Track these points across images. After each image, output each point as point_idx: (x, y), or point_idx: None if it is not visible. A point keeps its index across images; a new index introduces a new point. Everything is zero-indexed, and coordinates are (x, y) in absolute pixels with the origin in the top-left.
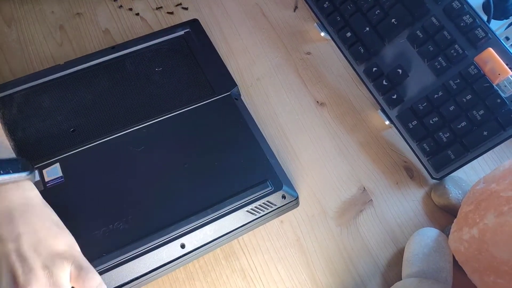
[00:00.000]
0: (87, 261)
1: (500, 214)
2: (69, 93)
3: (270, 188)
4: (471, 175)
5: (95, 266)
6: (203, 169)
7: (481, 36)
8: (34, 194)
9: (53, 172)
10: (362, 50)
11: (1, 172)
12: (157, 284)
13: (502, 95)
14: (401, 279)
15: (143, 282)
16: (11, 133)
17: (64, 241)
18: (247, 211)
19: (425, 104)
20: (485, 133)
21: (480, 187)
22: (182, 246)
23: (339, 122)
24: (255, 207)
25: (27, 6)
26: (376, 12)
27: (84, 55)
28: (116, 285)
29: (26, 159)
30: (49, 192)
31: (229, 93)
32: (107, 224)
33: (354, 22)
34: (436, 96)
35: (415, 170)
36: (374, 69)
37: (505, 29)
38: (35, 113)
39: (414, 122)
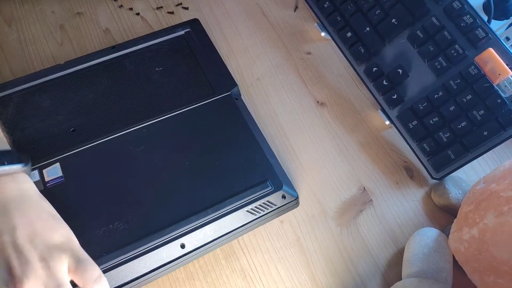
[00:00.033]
0: (85, 253)
1: (500, 214)
2: (69, 93)
3: (270, 188)
4: (471, 175)
5: None
6: (203, 169)
7: (481, 36)
8: (29, 186)
9: (53, 172)
10: (362, 50)
11: None
12: (157, 284)
13: (502, 95)
14: (401, 279)
15: (143, 282)
16: (11, 132)
17: (61, 232)
18: (247, 211)
19: (425, 104)
20: (485, 133)
21: (480, 187)
22: (182, 246)
23: (339, 122)
24: (255, 207)
25: (27, 5)
26: (377, 12)
27: (84, 54)
28: (116, 285)
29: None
30: (49, 192)
31: (229, 93)
32: (107, 224)
33: (354, 22)
34: (436, 96)
35: (415, 170)
36: (374, 69)
37: (506, 29)
38: (35, 112)
39: (414, 122)
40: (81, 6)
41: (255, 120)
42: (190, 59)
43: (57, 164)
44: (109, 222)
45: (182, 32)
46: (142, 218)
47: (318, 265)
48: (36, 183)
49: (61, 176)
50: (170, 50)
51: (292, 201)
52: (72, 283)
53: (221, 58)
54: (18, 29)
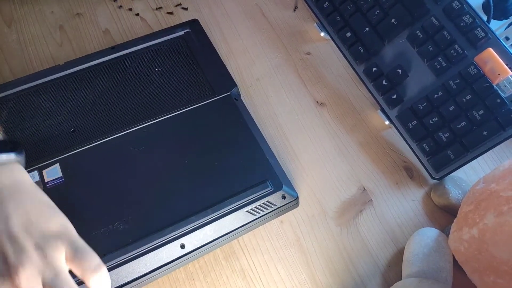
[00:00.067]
0: (83, 241)
1: (500, 214)
2: (69, 94)
3: (270, 188)
4: (471, 175)
5: None
6: (203, 169)
7: (481, 36)
8: (23, 176)
9: (53, 172)
10: (362, 50)
11: None
12: (157, 284)
13: (502, 95)
14: (401, 279)
15: (143, 283)
16: (11, 133)
17: (57, 221)
18: (247, 211)
19: (425, 104)
20: (485, 133)
21: (480, 187)
22: (182, 246)
23: (339, 122)
24: (255, 207)
25: (27, 6)
26: (376, 12)
27: (84, 55)
28: (116, 285)
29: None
30: (49, 193)
31: (229, 93)
32: (107, 224)
33: (354, 22)
34: (436, 96)
35: (415, 170)
36: (374, 69)
37: (505, 29)
38: (35, 113)
39: (414, 122)
40: (80, 7)
41: (254, 120)
42: (189, 60)
43: (57, 165)
44: (109, 223)
45: (182, 33)
46: (142, 218)
47: (318, 265)
48: (36, 183)
49: (61, 177)
50: (169, 50)
51: (292, 201)
52: (71, 274)
53: (220, 59)
54: (17, 30)
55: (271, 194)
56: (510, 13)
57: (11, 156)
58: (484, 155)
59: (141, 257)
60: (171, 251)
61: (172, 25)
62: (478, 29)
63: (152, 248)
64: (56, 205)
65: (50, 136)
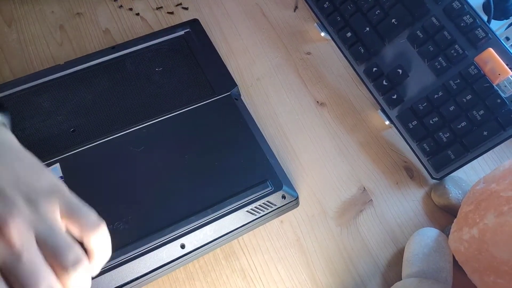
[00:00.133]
0: (77, 198)
1: (500, 214)
2: (69, 93)
3: (270, 188)
4: (471, 175)
5: None
6: (203, 169)
7: (481, 36)
8: (9, 137)
9: (53, 172)
10: (362, 50)
11: None
12: (157, 284)
13: (502, 95)
14: (401, 279)
15: (143, 282)
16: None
17: (48, 178)
18: (247, 211)
19: (425, 104)
20: (485, 133)
21: (480, 187)
22: (182, 246)
23: (339, 122)
24: (255, 207)
25: (27, 6)
26: (376, 12)
27: (84, 55)
28: (116, 285)
29: None
30: None
31: (229, 93)
32: (107, 224)
33: (354, 22)
34: (436, 96)
35: (415, 170)
36: (374, 69)
37: (505, 29)
38: (35, 113)
39: (414, 122)
40: (80, 7)
41: (255, 120)
42: (190, 59)
43: (57, 165)
44: (109, 223)
45: (182, 32)
46: (142, 218)
47: (318, 265)
48: None
49: (61, 177)
50: (170, 50)
51: (292, 201)
52: None
53: (221, 58)
54: (18, 29)
55: (271, 194)
56: (510, 13)
57: None
58: (484, 155)
59: (141, 257)
60: (171, 251)
61: (173, 24)
62: (479, 29)
63: (152, 248)
64: None
65: (50, 136)
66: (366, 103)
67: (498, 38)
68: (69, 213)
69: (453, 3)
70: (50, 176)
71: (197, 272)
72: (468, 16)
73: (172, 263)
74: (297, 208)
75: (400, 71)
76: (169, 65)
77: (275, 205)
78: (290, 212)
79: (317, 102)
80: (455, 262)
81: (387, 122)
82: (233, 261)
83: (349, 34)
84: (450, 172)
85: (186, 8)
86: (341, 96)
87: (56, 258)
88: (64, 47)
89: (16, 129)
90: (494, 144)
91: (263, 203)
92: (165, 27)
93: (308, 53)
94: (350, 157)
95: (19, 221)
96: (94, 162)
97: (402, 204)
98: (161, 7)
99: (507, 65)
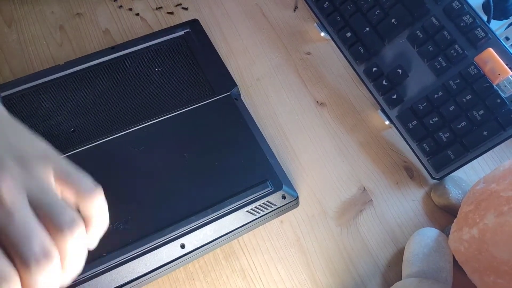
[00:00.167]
0: (71, 164)
1: (500, 214)
2: (69, 93)
3: (270, 188)
4: (471, 175)
5: (95, 267)
6: (203, 169)
7: (481, 36)
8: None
9: None
10: (362, 50)
11: None
12: (157, 284)
13: (502, 95)
14: (401, 279)
15: (143, 282)
16: None
17: (40, 144)
18: (247, 211)
19: (425, 104)
20: (485, 133)
21: (480, 187)
22: (182, 246)
23: (339, 122)
24: (255, 207)
25: (27, 6)
26: (376, 12)
27: (84, 55)
28: (116, 285)
29: None
30: None
31: (229, 93)
32: None
33: (354, 22)
34: (436, 96)
35: (415, 170)
36: (374, 69)
37: (505, 29)
38: (35, 113)
39: (414, 122)
40: (80, 7)
41: (255, 120)
42: (189, 60)
43: None
44: (109, 223)
45: (182, 33)
46: (142, 218)
47: (318, 265)
48: None
49: None
50: (169, 50)
51: (292, 201)
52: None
53: (220, 59)
54: (17, 30)
55: (271, 194)
56: (510, 13)
57: None
58: (484, 155)
59: (141, 257)
60: (171, 251)
61: (172, 25)
62: (478, 29)
63: (152, 248)
64: None
65: (50, 136)
66: (366, 103)
67: (498, 38)
68: (64, 177)
69: (453, 3)
70: (42, 143)
71: (197, 272)
72: (468, 16)
73: (172, 263)
74: (297, 208)
75: (400, 71)
76: (169, 65)
77: (275, 205)
78: (290, 212)
79: (317, 102)
80: (455, 262)
81: (387, 122)
82: (233, 261)
83: (349, 34)
84: (450, 172)
85: (186, 8)
86: (341, 96)
87: (50, 219)
88: (64, 48)
89: None
90: (494, 144)
91: (263, 203)
92: (165, 27)
93: (308, 53)
94: (350, 157)
95: (10, 180)
96: (94, 162)
97: (402, 204)
98: (161, 7)
99: (507, 65)
